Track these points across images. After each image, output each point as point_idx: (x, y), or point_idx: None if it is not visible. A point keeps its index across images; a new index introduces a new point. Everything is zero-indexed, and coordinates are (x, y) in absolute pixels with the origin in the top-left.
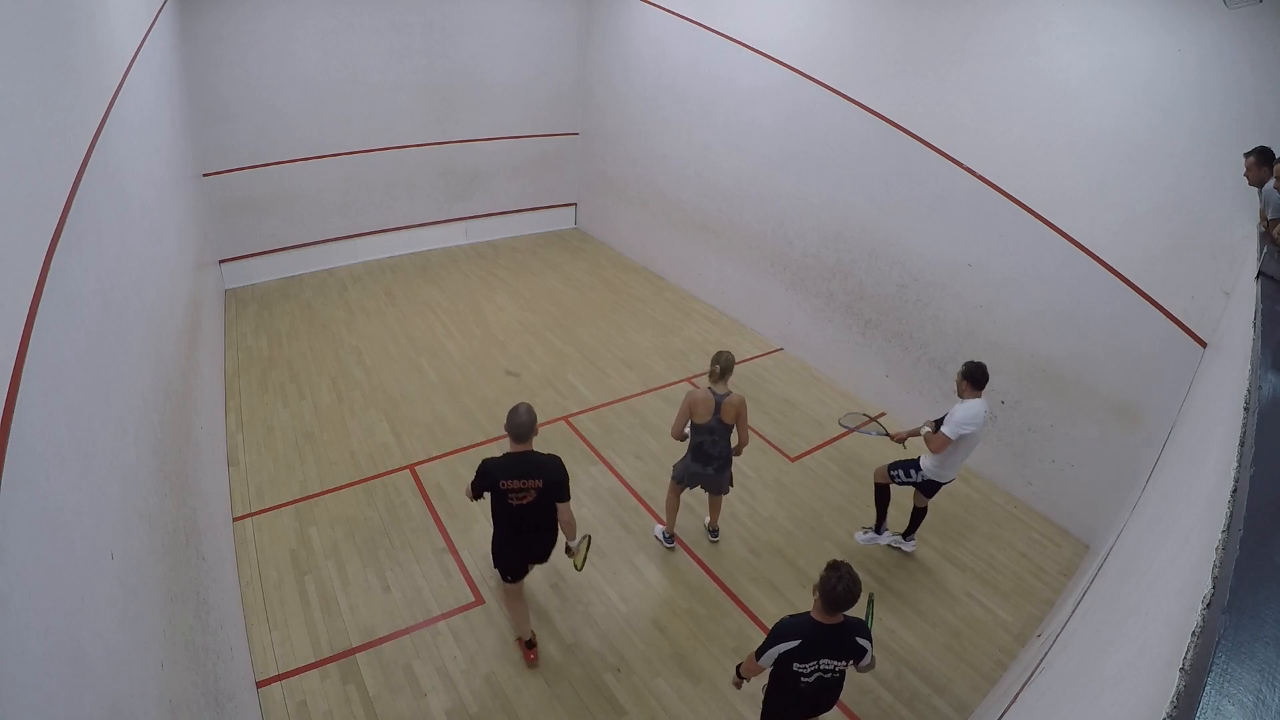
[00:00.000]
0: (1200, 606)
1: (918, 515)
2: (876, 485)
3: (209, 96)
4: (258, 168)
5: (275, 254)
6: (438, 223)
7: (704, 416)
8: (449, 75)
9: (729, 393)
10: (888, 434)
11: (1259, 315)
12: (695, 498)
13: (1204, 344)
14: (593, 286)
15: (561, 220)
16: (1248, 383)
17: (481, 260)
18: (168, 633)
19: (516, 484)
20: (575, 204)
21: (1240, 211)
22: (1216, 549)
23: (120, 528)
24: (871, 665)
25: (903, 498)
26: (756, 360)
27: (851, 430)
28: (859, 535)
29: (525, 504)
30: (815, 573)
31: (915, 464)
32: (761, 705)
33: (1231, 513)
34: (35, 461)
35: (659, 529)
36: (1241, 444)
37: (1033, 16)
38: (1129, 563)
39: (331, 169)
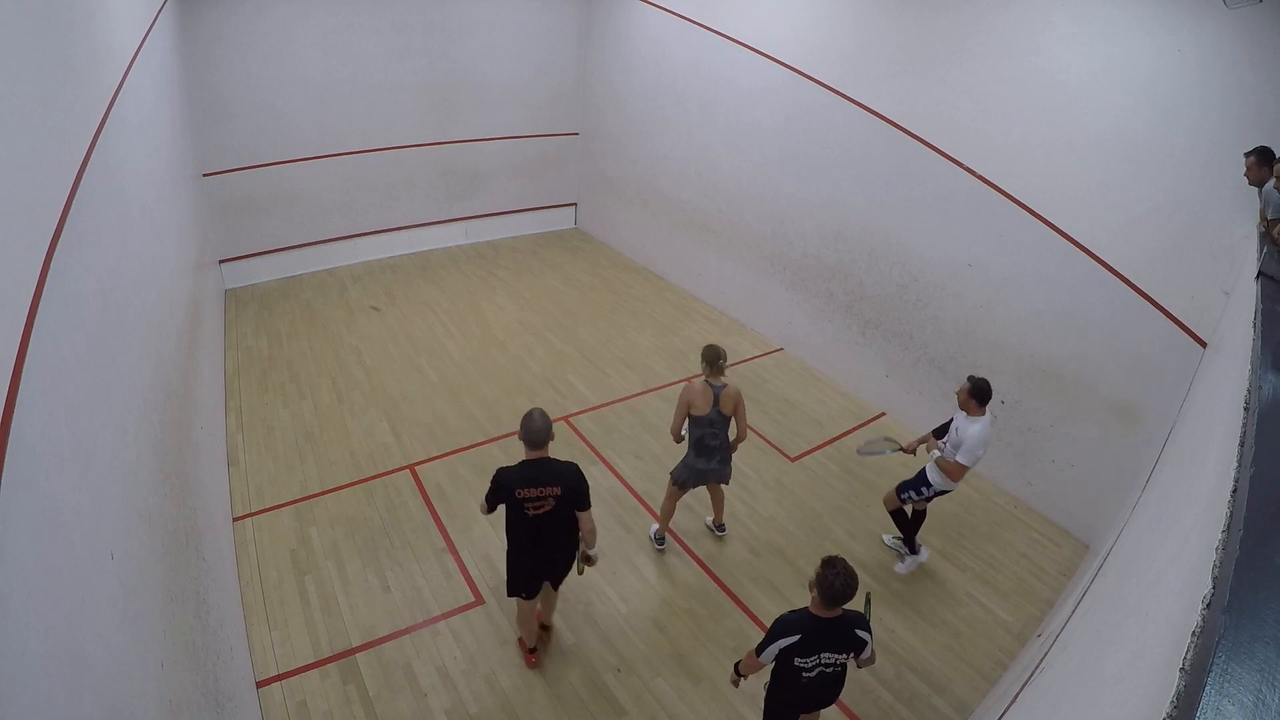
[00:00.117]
0: (1200, 606)
1: (917, 518)
2: (891, 512)
3: (209, 96)
4: (258, 168)
5: (275, 254)
6: (438, 223)
7: (703, 409)
8: (449, 75)
9: (725, 384)
10: (902, 448)
11: (1259, 315)
12: (695, 497)
13: (1204, 344)
14: (593, 286)
15: (561, 220)
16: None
17: (481, 260)
18: (168, 633)
19: (533, 492)
20: (575, 204)
21: (1240, 211)
22: (1216, 549)
23: (120, 528)
24: (872, 659)
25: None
26: (756, 360)
27: (871, 455)
28: (899, 567)
29: (542, 513)
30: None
31: (924, 481)
32: (764, 704)
33: (1231, 513)
34: (35, 461)
35: (654, 528)
36: (1241, 444)
37: (1033, 16)
38: (1129, 563)
39: (331, 169)
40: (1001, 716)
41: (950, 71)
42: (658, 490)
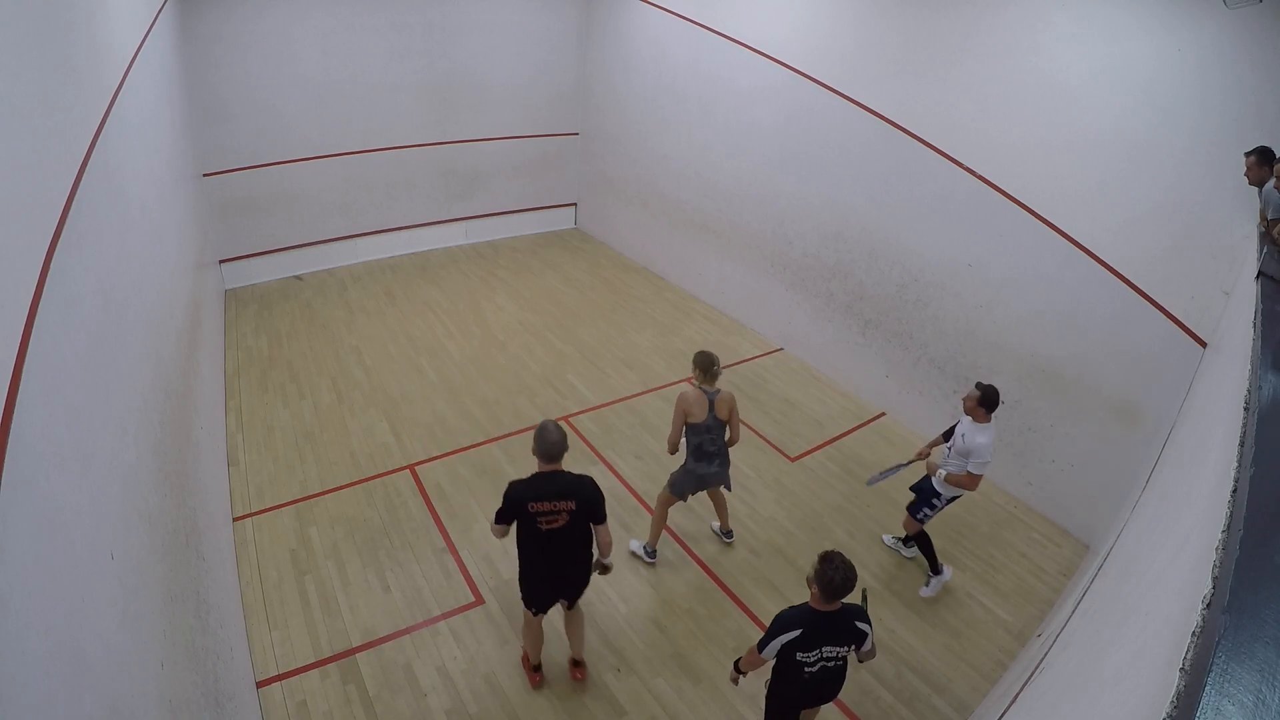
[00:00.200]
0: (1200, 606)
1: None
2: (914, 536)
3: (209, 96)
4: (258, 168)
5: (275, 254)
6: (438, 223)
7: (700, 415)
8: (449, 75)
9: (719, 390)
10: (908, 463)
11: (1259, 315)
12: (696, 500)
13: (1204, 344)
14: (593, 286)
15: (561, 220)
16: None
17: (481, 260)
18: (168, 633)
19: (547, 506)
20: (575, 204)
21: (1240, 211)
22: (1216, 549)
23: (120, 528)
24: (873, 652)
25: (904, 498)
26: (756, 360)
27: (880, 481)
28: (923, 590)
29: (556, 528)
30: None
31: (932, 494)
32: (765, 701)
33: (1231, 513)
34: (35, 461)
35: (636, 544)
36: (1241, 444)
37: (1033, 16)
38: (1129, 563)
39: (331, 169)
40: (1001, 716)
41: (950, 71)
42: (657, 490)
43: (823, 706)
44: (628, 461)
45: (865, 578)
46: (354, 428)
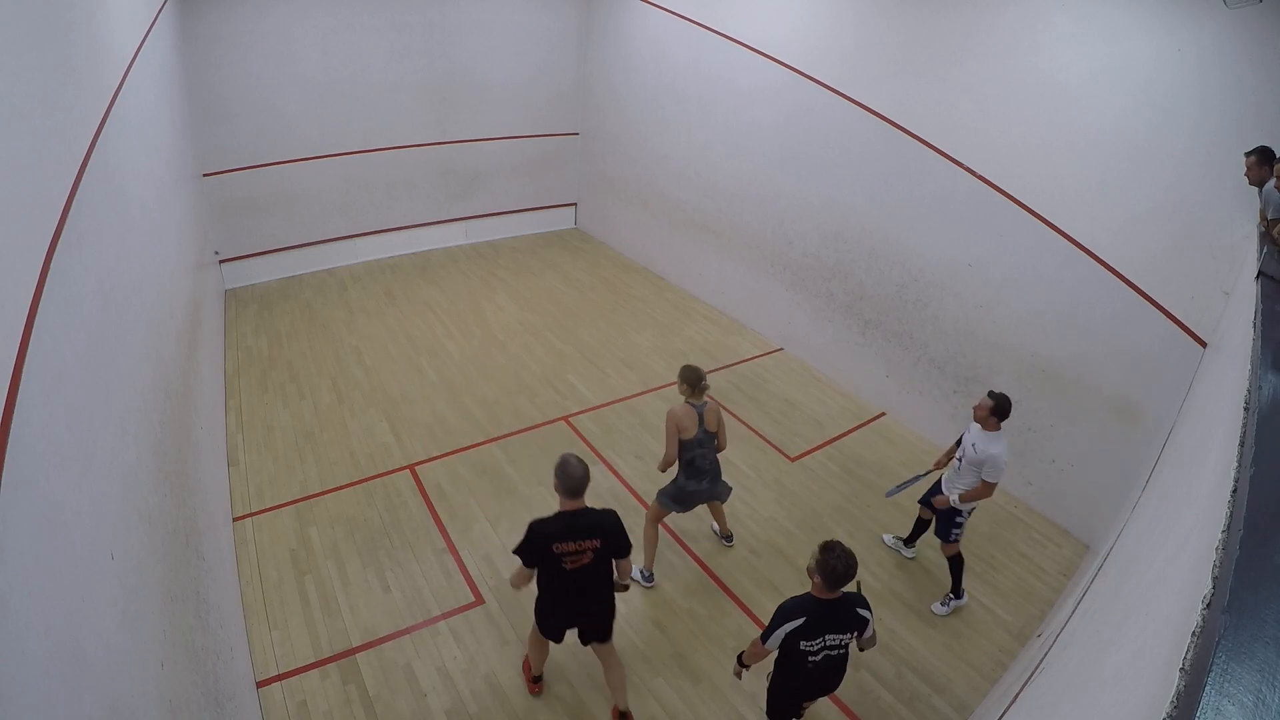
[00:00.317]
0: (1200, 606)
1: (921, 526)
2: (951, 559)
3: (209, 96)
4: (258, 168)
5: (275, 254)
6: (438, 223)
7: (691, 431)
8: (449, 75)
9: (705, 402)
10: (926, 473)
11: (1259, 315)
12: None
13: (1204, 344)
14: (593, 286)
15: (561, 220)
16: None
17: (481, 260)
18: (168, 633)
19: (572, 546)
20: (575, 204)
21: (1240, 211)
22: (1216, 549)
23: (120, 528)
24: (874, 639)
25: (910, 506)
26: (756, 360)
27: (901, 491)
28: (935, 607)
29: (581, 566)
30: None
31: (957, 514)
32: (766, 695)
33: (1231, 513)
34: (35, 461)
35: (635, 570)
36: (1241, 444)
37: (1033, 16)
38: (1129, 563)
39: (331, 169)
40: (1001, 716)
41: (950, 71)
42: (657, 489)
43: (822, 703)
44: (628, 461)
45: (866, 578)
46: (354, 428)
